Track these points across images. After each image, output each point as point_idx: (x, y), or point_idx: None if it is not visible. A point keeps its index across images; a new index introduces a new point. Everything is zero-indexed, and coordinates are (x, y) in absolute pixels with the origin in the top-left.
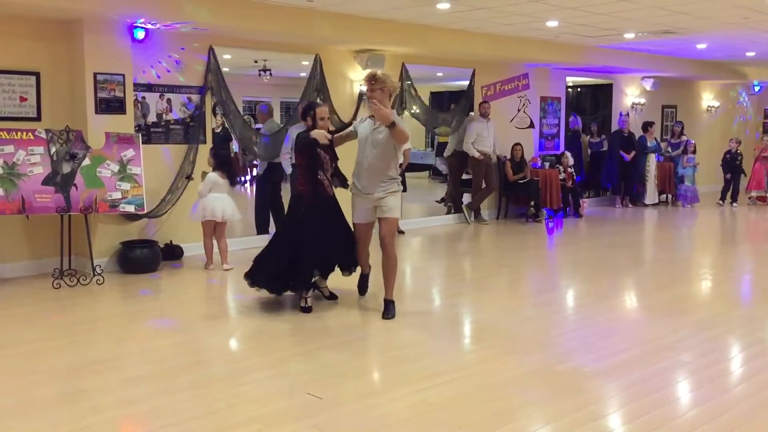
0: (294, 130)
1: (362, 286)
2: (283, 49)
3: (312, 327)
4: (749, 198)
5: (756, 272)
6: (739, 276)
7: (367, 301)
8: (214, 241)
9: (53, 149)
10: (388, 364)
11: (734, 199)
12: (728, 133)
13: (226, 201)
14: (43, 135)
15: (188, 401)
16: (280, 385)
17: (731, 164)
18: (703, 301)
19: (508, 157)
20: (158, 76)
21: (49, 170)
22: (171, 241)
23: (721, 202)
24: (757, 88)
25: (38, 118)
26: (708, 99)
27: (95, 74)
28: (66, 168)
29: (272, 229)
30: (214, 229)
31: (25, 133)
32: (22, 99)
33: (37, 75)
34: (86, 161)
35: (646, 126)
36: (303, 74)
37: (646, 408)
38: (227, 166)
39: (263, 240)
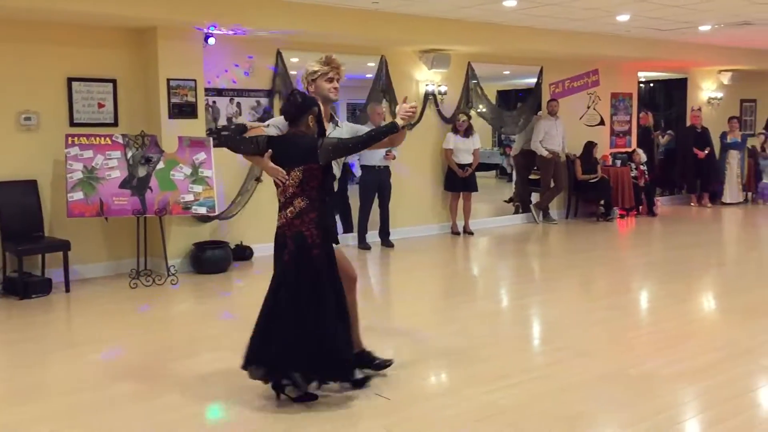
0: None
1: None
2: (349, 51)
3: (379, 328)
4: None
5: None
6: None
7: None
8: None
9: (129, 153)
10: (456, 365)
11: None
12: None
13: None
14: (120, 140)
15: (257, 400)
16: (349, 387)
17: None
18: None
19: (577, 155)
20: (233, 81)
21: (126, 174)
22: (241, 242)
23: None
24: None
25: (115, 124)
26: None
27: (168, 80)
28: (141, 172)
29: (339, 229)
30: None
31: (103, 138)
32: (100, 105)
33: (114, 82)
34: (160, 165)
35: (729, 121)
36: (369, 75)
37: (724, 415)
38: None
39: None
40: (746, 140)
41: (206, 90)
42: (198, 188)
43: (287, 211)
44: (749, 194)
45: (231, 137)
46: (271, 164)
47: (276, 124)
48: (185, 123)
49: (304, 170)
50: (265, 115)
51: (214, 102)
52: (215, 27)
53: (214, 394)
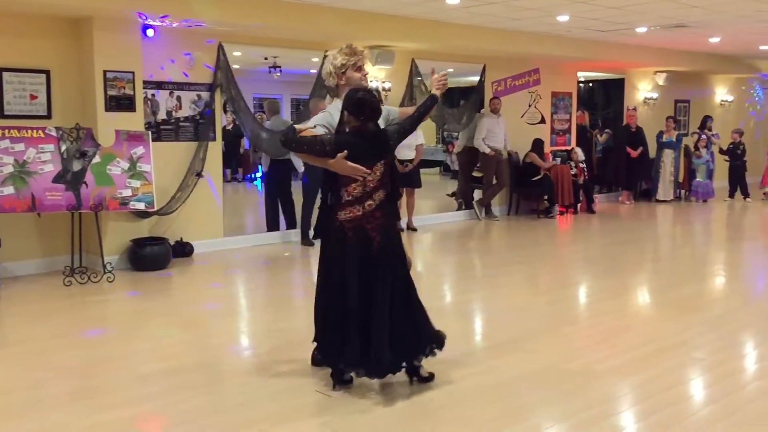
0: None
1: None
2: (293, 46)
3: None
4: (763, 193)
5: None
6: (752, 272)
7: None
8: None
9: (63, 147)
10: None
11: (745, 193)
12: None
13: None
14: (54, 133)
15: (198, 399)
16: (289, 383)
17: (734, 154)
18: (716, 297)
19: (528, 151)
20: (168, 76)
21: (60, 168)
22: (182, 238)
23: (730, 198)
24: None
25: (49, 116)
26: (722, 93)
27: (105, 72)
28: (76, 166)
29: (282, 225)
30: None
31: (35, 131)
32: (33, 97)
33: (48, 73)
34: (96, 159)
35: (666, 120)
36: (313, 71)
37: (658, 406)
38: None
39: (272, 237)
40: (681, 140)
41: (145, 83)
42: (136, 183)
43: (365, 204)
44: (683, 192)
45: (297, 138)
46: (350, 163)
47: (322, 123)
48: (123, 116)
49: (385, 164)
50: (206, 109)
51: (153, 95)
52: (153, 18)
53: (150, 394)
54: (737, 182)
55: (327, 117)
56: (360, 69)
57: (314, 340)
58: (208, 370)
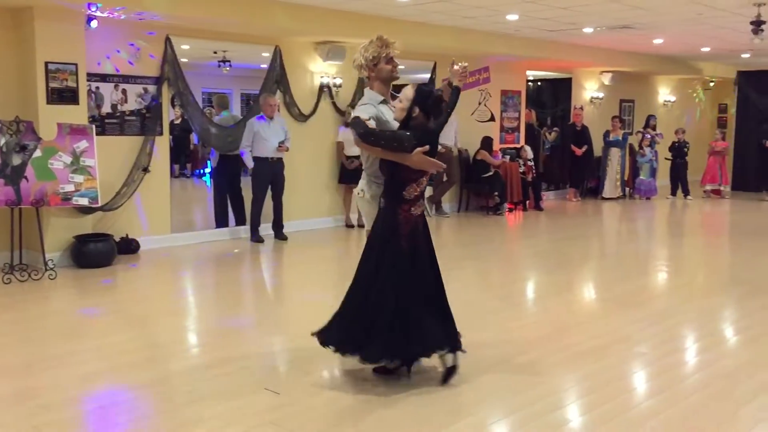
0: (256, 122)
1: None
2: (243, 40)
3: (270, 322)
4: (704, 191)
5: (709, 264)
6: (693, 268)
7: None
8: None
9: (2, 141)
10: (349, 360)
11: (686, 192)
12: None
13: None
14: None
15: (144, 398)
16: (237, 381)
17: (679, 152)
18: (659, 293)
19: (477, 149)
20: (114, 67)
21: None
22: (127, 234)
23: (672, 195)
24: (712, 84)
25: None
26: (665, 93)
27: (46, 63)
28: (16, 160)
29: (231, 222)
30: None
31: None
32: None
33: None
34: (37, 153)
35: (612, 119)
36: (264, 66)
37: (603, 398)
38: None
39: (221, 234)
40: (627, 138)
41: (89, 75)
42: (79, 178)
43: (423, 199)
44: (627, 190)
45: (375, 132)
46: (429, 158)
47: (375, 117)
48: (65, 109)
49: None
50: (153, 103)
51: (97, 87)
52: (97, 8)
53: (94, 393)
54: (679, 180)
55: (374, 111)
56: (391, 61)
57: (367, 340)
58: (154, 369)
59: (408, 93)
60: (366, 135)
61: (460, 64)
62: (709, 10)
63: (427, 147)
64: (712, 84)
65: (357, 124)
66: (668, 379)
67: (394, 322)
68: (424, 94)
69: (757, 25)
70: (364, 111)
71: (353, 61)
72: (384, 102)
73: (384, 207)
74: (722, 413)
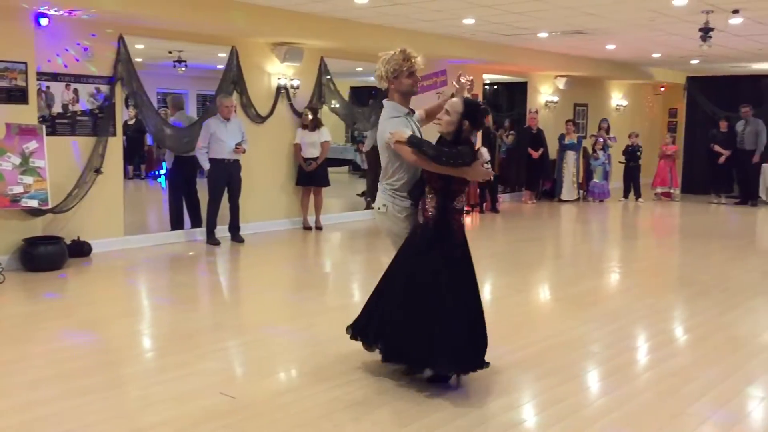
0: (212, 123)
1: None
2: (199, 40)
3: (226, 325)
4: (654, 194)
5: (660, 265)
6: (645, 269)
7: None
8: None
9: None
10: (304, 361)
11: (638, 194)
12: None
13: None
14: None
15: (95, 404)
16: (192, 385)
17: (632, 156)
18: (612, 293)
19: None
20: (65, 65)
21: None
22: (78, 237)
23: (624, 198)
24: (662, 89)
25: None
26: (617, 98)
27: None
28: None
29: (186, 224)
30: None
31: None
32: None
33: None
34: None
35: (566, 123)
36: (220, 66)
37: (556, 398)
38: None
39: (176, 236)
40: (581, 142)
41: (39, 74)
42: (28, 179)
43: (464, 208)
44: (581, 192)
45: (447, 152)
46: (484, 169)
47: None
48: (14, 109)
49: None
50: (106, 103)
51: (48, 87)
52: (47, 6)
53: (43, 399)
54: (631, 183)
55: (407, 123)
56: (412, 75)
57: (433, 356)
58: (107, 374)
59: (456, 106)
60: (438, 157)
61: (466, 77)
62: (660, 17)
63: (487, 158)
64: (662, 89)
65: (420, 144)
66: (620, 378)
67: (463, 332)
68: (473, 106)
69: (705, 32)
70: (400, 125)
71: (375, 71)
72: (409, 114)
73: (435, 219)
74: (672, 411)
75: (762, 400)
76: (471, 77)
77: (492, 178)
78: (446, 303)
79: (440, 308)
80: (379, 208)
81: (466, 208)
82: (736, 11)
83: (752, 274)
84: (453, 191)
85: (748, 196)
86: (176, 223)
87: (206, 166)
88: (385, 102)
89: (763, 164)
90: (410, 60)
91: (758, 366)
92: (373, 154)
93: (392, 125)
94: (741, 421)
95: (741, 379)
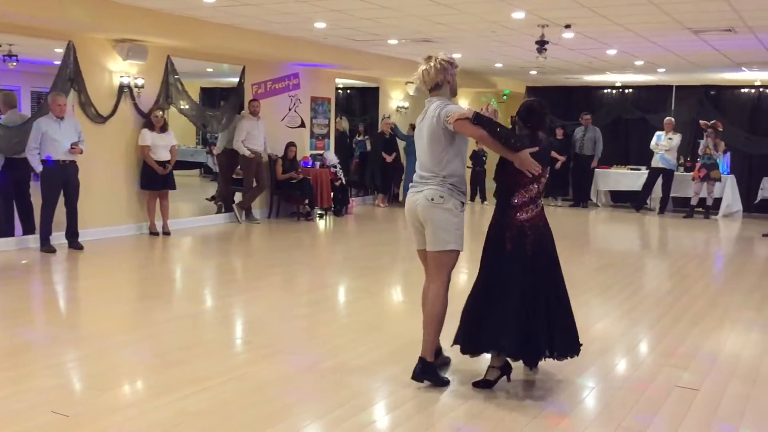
0: (44, 122)
1: None
2: (31, 34)
3: (62, 339)
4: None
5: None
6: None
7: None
8: None
9: None
10: (150, 373)
11: (483, 197)
12: None
13: None
14: None
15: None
16: (21, 404)
17: (478, 161)
18: (454, 293)
19: (280, 155)
20: None
21: None
22: None
23: (470, 201)
24: (505, 96)
25: None
26: (464, 105)
27: None
28: None
29: (18, 230)
30: None
31: None
32: None
33: None
34: None
35: (411, 128)
36: (57, 62)
37: (405, 398)
38: None
39: (7, 243)
40: None
41: None
42: None
43: (534, 206)
44: None
45: (493, 122)
46: (531, 159)
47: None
48: None
49: (548, 172)
50: None
51: None
52: None
53: None
54: (477, 186)
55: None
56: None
57: (503, 352)
58: None
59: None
60: (494, 130)
61: (492, 104)
62: (501, 29)
63: (537, 148)
64: (504, 98)
65: (478, 117)
66: (466, 376)
67: (544, 323)
68: (522, 104)
69: (541, 44)
70: (458, 108)
71: (420, 78)
72: None
73: (495, 215)
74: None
75: (592, 390)
76: (496, 107)
77: (537, 172)
78: (516, 302)
79: (529, 302)
80: (433, 199)
81: (318, 212)
82: (568, 26)
83: (586, 270)
84: (510, 185)
85: (581, 198)
86: (6, 230)
87: (38, 168)
88: (432, 98)
89: (596, 170)
90: (453, 64)
91: (589, 357)
92: (225, 157)
93: (452, 108)
94: (573, 410)
95: (573, 370)
